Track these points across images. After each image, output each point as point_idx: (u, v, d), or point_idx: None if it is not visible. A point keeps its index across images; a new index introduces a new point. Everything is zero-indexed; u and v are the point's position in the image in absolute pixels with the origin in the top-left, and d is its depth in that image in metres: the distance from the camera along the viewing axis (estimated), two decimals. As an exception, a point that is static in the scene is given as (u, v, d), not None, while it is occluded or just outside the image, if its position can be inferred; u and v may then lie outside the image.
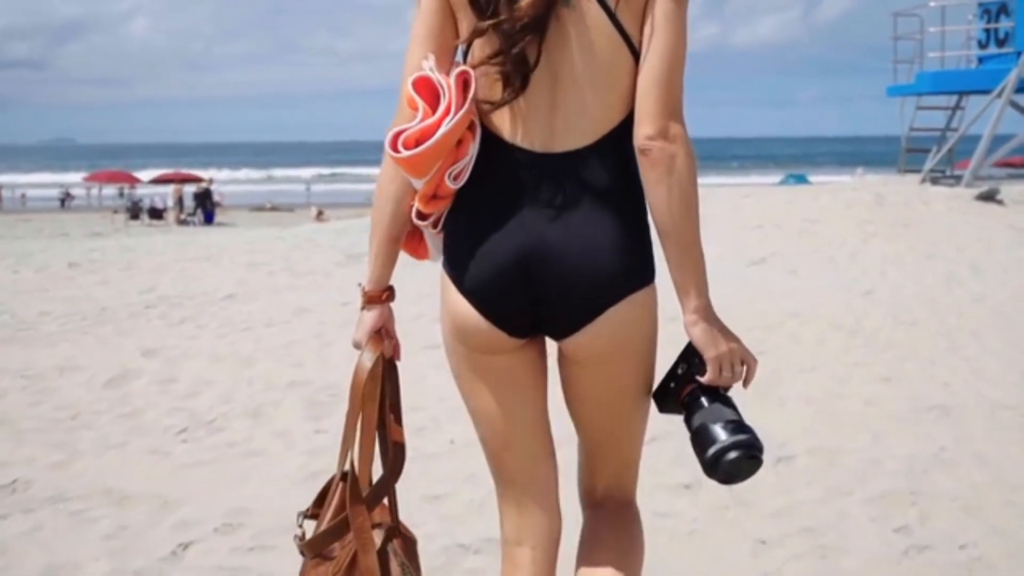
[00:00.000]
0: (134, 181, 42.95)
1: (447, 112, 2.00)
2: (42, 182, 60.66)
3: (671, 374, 2.15)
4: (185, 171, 47.76)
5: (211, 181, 39.01)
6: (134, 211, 35.83)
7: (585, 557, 2.27)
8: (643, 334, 2.16)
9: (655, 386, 2.21)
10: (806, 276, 11.19)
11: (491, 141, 2.09)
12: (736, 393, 2.15)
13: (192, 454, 4.93)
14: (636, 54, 2.05)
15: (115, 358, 7.01)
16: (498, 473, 2.31)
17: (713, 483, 4.36)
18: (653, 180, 2.02)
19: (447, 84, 2.02)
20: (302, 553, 2.27)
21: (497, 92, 2.06)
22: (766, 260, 12.24)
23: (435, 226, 2.17)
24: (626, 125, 2.08)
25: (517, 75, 2.03)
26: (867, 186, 18.38)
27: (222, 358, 7.08)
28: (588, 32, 2.02)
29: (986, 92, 18.57)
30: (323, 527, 2.24)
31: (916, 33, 19.85)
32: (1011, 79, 17.88)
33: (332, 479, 2.32)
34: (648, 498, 4.26)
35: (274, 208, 42.25)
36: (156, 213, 36.13)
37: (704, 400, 2.08)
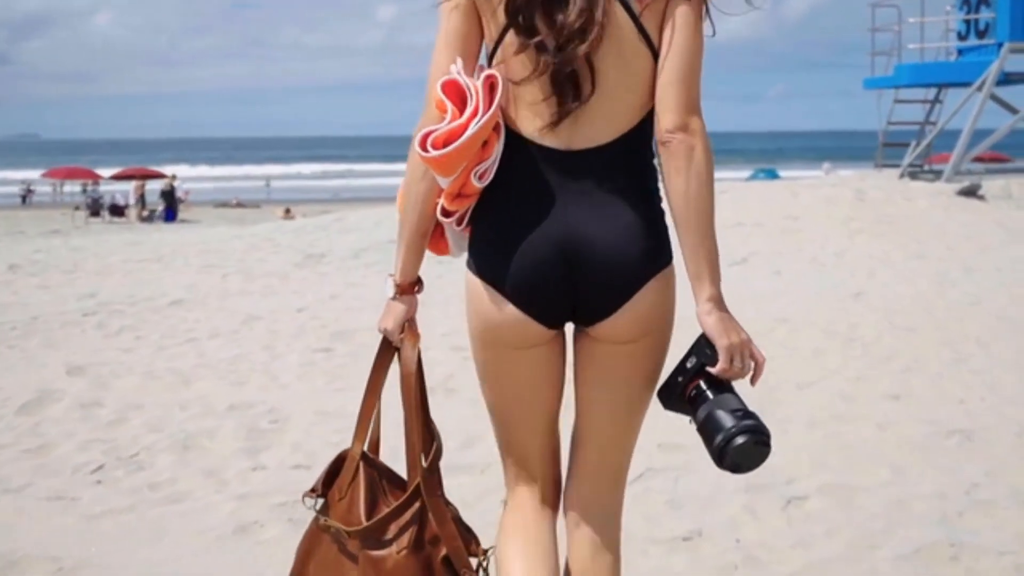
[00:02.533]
0: (94, 177, 41.78)
1: (475, 114, 2.07)
2: (4, 179, 59.19)
3: (679, 369, 2.16)
4: (148, 167, 46.55)
5: (174, 177, 37.99)
6: (94, 208, 34.84)
7: None
8: (666, 310, 2.23)
9: (660, 383, 2.21)
10: (791, 277, 10.60)
11: (515, 141, 2.17)
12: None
13: (103, 500, 4.19)
14: (655, 56, 2.13)
15: (36, 377, 6.28)
16: (510, 453, 2.41)
17: (716, 535, 3.77)
18: (673, 170, 2.11)
19: (474, 87, 2.09)
20: (349, 536, 2.30)
21: (548, 108, 2.13)
22: (748, 260, 11.65)
23: (459, 223, 2.23)
24: (643, 124, 2.17)
25: (569, 88, 2.10)
26: (846, 182, 17.89)
27: (157, 375, 6.35)
28: (616, 36, 2.09)
29: (966, 85, 18.10)
30: (361, 509, 2.30)
31: (894, 24, 19.34)
32: (992, 71, 17.42)
33: (339, 459, 2.37)
34: (640, 554, 3.61)
35: (239, 204, 41.30)
36: (117, 210, 35.13)
37: (709, 393, 2.10)
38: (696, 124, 2.10)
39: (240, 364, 6.69)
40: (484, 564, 2.31)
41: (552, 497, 2.41)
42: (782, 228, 13.38)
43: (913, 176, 18.35)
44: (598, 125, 2.14)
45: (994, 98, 17.95)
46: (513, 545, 2.33)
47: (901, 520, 3.88)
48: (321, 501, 2.38)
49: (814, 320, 8.04)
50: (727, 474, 4.41)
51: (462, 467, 4.52)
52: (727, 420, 2.03)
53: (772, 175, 39.03)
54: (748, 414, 2.05)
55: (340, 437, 4.99)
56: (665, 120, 2.10)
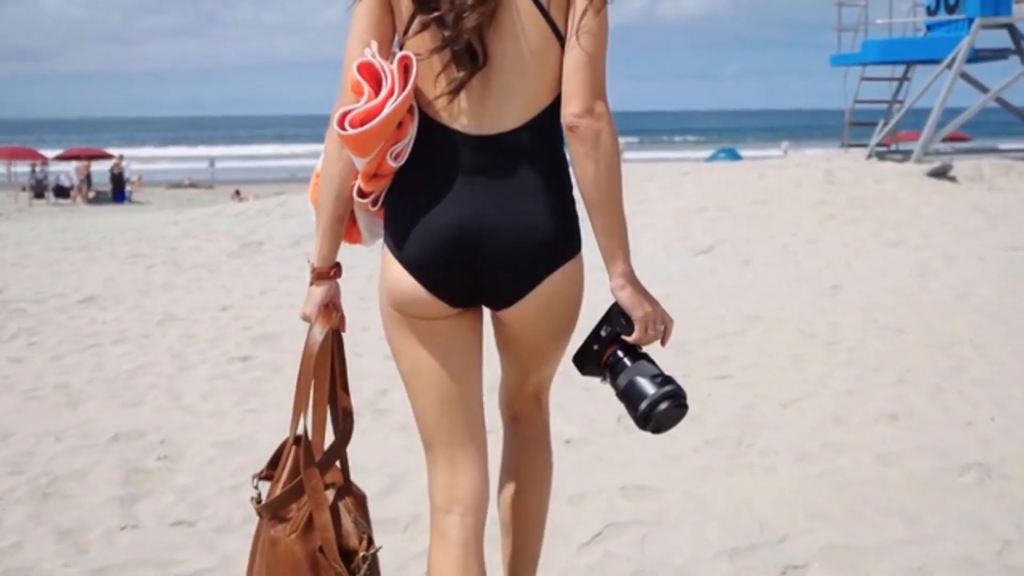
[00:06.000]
0: (38, 157, 40.36)
1: (390, 94, 2.13)
2: (-50, 159, 57.11)
3: (593, 337, 2.24)
4: (96, 147, 45.08)
5: (121, 158, 36.78)
6: (38, 190, 33.65)
7: (508, 479, 2.55)
8: (573, 296, 2.31)
9: (575, 351, 2.28)
10: (761, 268, 9.87)
11: (428, 124, 2.22)
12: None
13: (-83, 581, 3.33)
14: (563, 41, 2.18)
15: None
16: (433, 436, 2.37)
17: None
18: (581, 155, 2.17)
19: (389, 69, 2.15)
20: (259, 514, 2.31)
21: (446, 80, 2.18)
22: (714, 248, 10.91)
23: (375, 204, 2.27)
24: (553, 108, 2.22)
25: (466, 59, 2.14)
26: (814, 162, 17.18)
27: (40, 395, 5.47)
28: (520, 21, 2.15)
29: (935, 62, 17.44)
30: (279, 490, 2.30)
31: (861, -1, 18.65)
32: (962, 48, 16.77)
33: (285, 442, 2.37)
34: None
35: (192, 185, 40.16)
36: (62, 191, 34.00)
37: (627, 360, 2.20)
38: (601, 108, 2.14)
39: (140, 378, 5.82)
40: (367, 559, 2.22)
41: (478, 529, 2.33)
42: (749, 213, 12.63)
43: (881, 156, 17.71)
44: (506, 110, 2.18)
45: (964, 76, 17.30)
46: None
47: (926, 598, 3.11)
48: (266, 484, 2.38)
49: (789, 318, 7.31)
50: (707, 531, 3.66)
51: (381, 522, 3.68)
52: (649, 387, 2.13)
53: (733, 155, 38.32)
54: (666, 379, 2.15)
55: (239, 480, 4.14)
56: (571, 105, 2.14)
